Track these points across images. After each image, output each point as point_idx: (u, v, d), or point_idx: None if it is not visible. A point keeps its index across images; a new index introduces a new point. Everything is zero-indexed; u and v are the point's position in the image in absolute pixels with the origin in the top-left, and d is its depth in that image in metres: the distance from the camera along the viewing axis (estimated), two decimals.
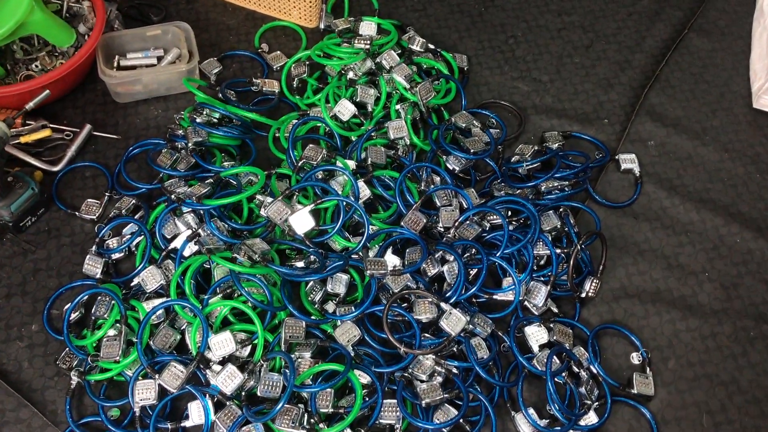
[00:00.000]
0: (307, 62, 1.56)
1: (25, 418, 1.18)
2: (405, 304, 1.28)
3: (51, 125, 1.46)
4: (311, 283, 1.29)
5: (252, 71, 1.61)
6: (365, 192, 1.36)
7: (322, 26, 1.63)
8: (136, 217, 1.37)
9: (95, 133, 1.48)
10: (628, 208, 1.45)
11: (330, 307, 1.28)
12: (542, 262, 1.34)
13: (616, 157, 1.49)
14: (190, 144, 1.36)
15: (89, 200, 1.39)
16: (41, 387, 1.21)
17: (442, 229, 1.34)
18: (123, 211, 1.37)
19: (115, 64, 1.53)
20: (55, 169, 1.43)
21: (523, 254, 1.32)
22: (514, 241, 1.31)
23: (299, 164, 1.36)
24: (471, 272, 1.30)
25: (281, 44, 1.65)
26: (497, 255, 1.28)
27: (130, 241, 1.32)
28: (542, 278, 1.31)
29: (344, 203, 1.31)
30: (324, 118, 1.44)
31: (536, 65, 1.65)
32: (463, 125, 1.47)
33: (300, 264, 1.28)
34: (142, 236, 1.31)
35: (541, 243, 1.32)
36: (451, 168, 1.42)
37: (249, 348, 1.22)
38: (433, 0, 1.75)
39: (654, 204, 1.45)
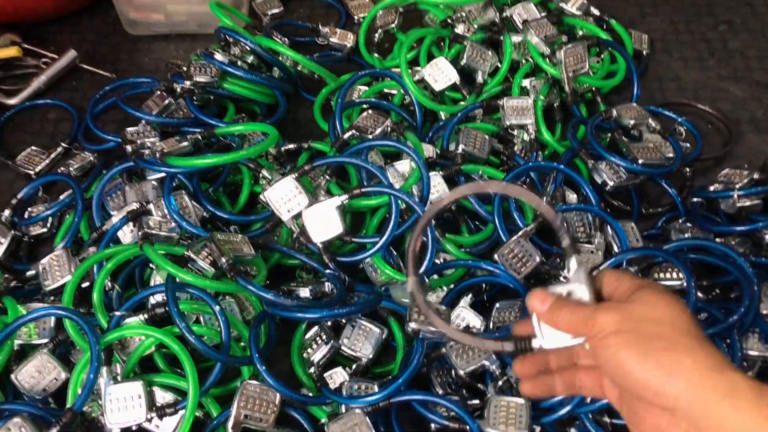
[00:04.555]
0: (402, 10, 1.04)
1: None
2: (476, 401, 0.69)
3: (25, 45, 1.03)
4: (315, 329, 0.73)
5: (326, 20, 1.11)
6: (441, 191, 0.79)
7: None
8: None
9: (82, 65, 1.03)
10: None
11: (337, 377, 0.71)
12: (757, 367, 0.70)
13: None
14: (187, 83, 0.87)
15: (34, 148, 0.92)
16: None
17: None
18: (72, 170, 0.89)
19: None
20: (10, 102, 0.98)
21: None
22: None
23: (345, 136, 0.83)
24: None
25: None
26: None
27: (56, 208, 0.83)
28: None
29: (399, 201, 0.75)
30: (403, 79, 0.90)
31: (762, 64, 1.04)
32: (631, 123, 0.88)
33: (305, 292, 0.73)
34: (75, 205, 0.82)
35: (755, 335, 0.68)
36: (600, 181, 0.82)
37: (176, 419, 0.67)
38: None
39: None
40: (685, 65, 1.04)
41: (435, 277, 0.77)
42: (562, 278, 0.75)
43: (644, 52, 1.04)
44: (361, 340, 0.72)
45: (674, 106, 0.97)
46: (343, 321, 0.73)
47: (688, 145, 0.91)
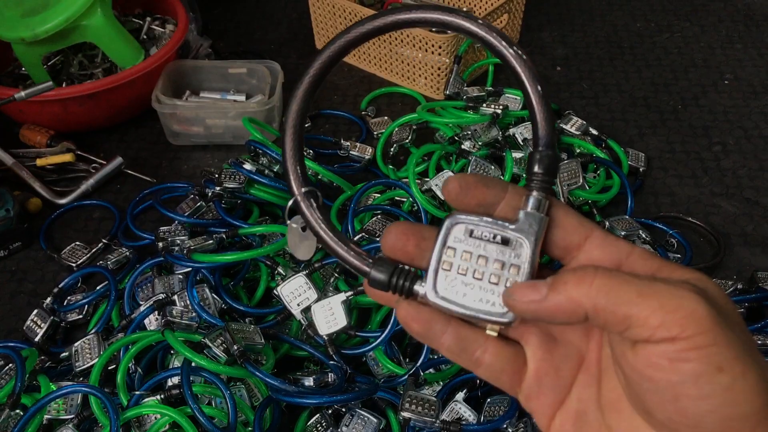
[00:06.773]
0: (415, 127, 1.15)
1: None
2: None
3: (78, 152, 1.15)
4: (317, 416, 0.78)
5: (348, 135, 1.22)
6: None
7: (447, 92, 1.22)
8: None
9: (127, 170, 1.14)
10: None
11: None
12: None
13: None
14: (217, 188, 0.97)
15: (78, 243, 1.02)
16: None
17: None
18: (110, 263, 0.98)
19: (184, 100, 1.23)
20: (60, 201, 1.10)
21: None
22: None
23: (355, 237, 0.91)
24: None
25: (394, 112, 1.26)
26: None
27: (92, 297, 0.91)
28: None
29: None
30: (410, 188, 0.99)
31: (752, 182, 1.11)
32: (622, 234, 0.95)
33: (309, 381, 0.79)
34: (109, 295, 0.90)
35: None
36: None
37: None
38: (611, 90, 1.29)
39: None
40: (679, 182, 1.11)
41: (431, 371, 0.82)
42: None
43: (641, 169, 1.11)
44: (359, 429, 0.77)
45: (667, 219, 1.03)
46: (343, 410, 0.78)
47: (678, 255, 0.97)
